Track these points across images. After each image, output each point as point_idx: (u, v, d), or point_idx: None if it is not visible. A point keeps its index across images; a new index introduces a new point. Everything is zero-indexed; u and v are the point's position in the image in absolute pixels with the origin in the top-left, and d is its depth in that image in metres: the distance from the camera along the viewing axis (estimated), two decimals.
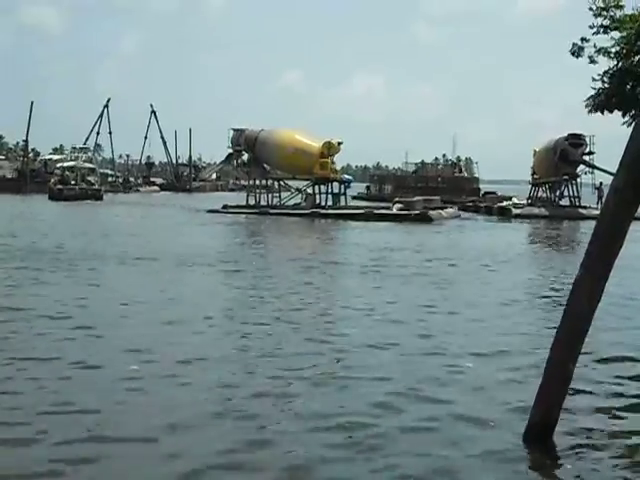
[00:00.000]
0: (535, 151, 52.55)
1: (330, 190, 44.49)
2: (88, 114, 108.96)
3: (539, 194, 52.18)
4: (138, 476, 5.76)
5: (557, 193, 49.79)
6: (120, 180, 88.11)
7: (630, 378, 8.64)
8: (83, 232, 28.56)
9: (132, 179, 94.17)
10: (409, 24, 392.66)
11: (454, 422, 6.94)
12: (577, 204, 48.44)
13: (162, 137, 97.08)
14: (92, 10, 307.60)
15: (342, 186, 44.95)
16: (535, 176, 52.94)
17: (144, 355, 9.09)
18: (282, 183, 46.57)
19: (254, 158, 45.97)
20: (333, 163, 44.17)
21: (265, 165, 46.22)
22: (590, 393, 7.91)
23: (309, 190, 44.32)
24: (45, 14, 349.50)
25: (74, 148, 71.35)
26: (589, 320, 6.00)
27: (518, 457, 6.17)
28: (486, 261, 21.25)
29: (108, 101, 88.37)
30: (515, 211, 46.34)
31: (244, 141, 45.81)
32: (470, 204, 55.80)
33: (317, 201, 43.98)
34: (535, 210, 46.94)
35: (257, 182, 46.41)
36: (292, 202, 45.27)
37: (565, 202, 49.30)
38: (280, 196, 46.13)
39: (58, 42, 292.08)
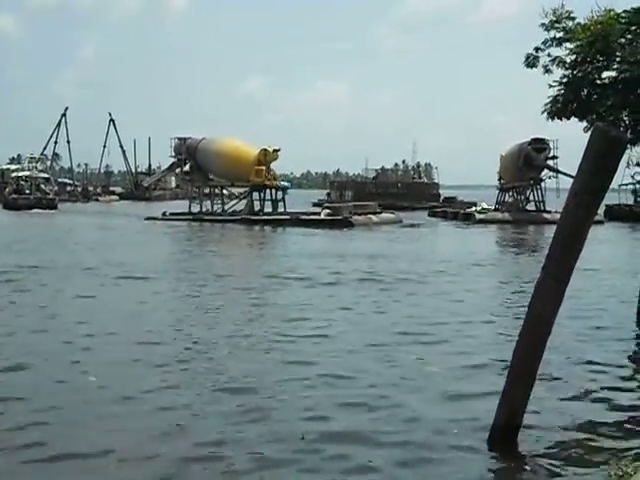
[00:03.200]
0: (501, 156, 53.24)
1: (269, 197, 45.06)
2: (47, 123, 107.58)
3: (506, 199, 52.83)
4: None
5: (522, 198, 50.52)
6: (79, 189, 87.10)
7: (593, 380, 8.76)
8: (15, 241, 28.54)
9: (91, 188, 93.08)
10: (372, 31, 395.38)
11: (418, 427, 6.96)
12: (542, 208, 49.17)
13: (121, 146, 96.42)
14: (51, 17, 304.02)
15: (278, 193, 45.49)
16: (502, 181, 53.59)
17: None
18: (225, 191, 47.18)
19: (196, 166, 46.72)
20: (271, 170, 44.85)
21: (208, 173, 46.87)
22: (553, 396, 7.97)
23: (248, 197, 45.15)
24: (3, 21, 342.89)
25: (31, 158, 70.44)
26: (551, 323, 6.07)
27: (482, 460, 6.20)
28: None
29: (66, 110, 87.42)
30: (479, 216, 46.76)
31: (185, 150, 46.70)
32: (439, 210, 56.23)
33: (257, 207, 44.58)
34: (499, 215, 47.49)
35: (199, 190, 47.22)
36: (237, 208, 45.52)
37: (531, 206, 49.98)
38: (223, 203, 46.59)
39: (16, 50, 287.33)
